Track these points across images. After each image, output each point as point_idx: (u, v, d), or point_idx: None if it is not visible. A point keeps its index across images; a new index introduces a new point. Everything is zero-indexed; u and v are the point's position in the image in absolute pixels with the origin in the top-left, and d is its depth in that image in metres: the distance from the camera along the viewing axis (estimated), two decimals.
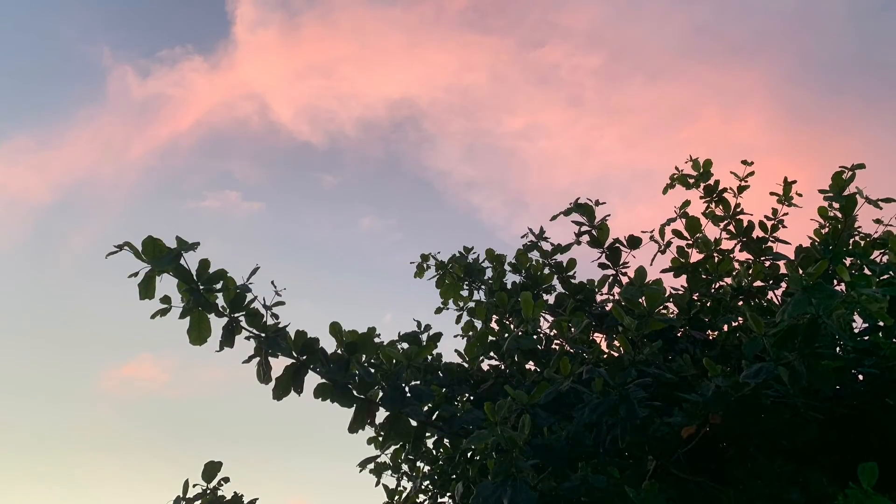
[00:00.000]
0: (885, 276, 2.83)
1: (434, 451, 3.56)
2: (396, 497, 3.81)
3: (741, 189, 3.84)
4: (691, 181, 3.93)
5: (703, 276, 3.48)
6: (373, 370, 2.55)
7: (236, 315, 2.41)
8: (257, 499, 3.07)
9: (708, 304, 3.31)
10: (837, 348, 2.44)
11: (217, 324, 2.40)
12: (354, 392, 2.47)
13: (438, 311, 4.05)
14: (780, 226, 3.72)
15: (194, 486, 2.95)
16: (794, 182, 3.79)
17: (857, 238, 3.37)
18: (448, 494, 3.44)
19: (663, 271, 3.55)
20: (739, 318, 3.14)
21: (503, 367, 3.33)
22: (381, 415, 2.54)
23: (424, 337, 3.25)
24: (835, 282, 2.98)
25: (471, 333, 3.87)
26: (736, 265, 3.52)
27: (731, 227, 3.74)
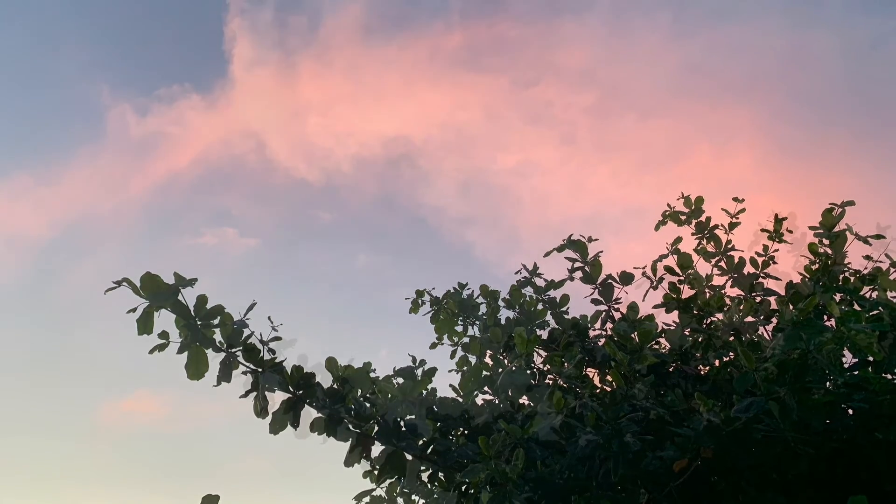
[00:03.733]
0: (875, 312, 2.87)
1: (429, 485, 3.55)
2: None
3: (732, 226, 3.90)
4: (683, 218, 4.00)
5: (695, 312, 3.51)
6: (368, 405, 2.57)
7: (234, 350, 2.44)
8: None
9: (699, 340, 3.34)
10: (828, 383, 2.47)
11: (215, 359, 2.43)
12: (350, 426, 2.49)
13: (433, 346, 4.07)
14: (770, 262, 3.77)
15: None
16: (785, 219, 3.85)
17: (846, 274, 3.42)
18: None
19: (655, 307, 3.58)
20: (731, 354, 3.17)
21: (497, 402, 3.34)
22: (377, 449, 2.55)
23: (419, 372, 3.27)
24: (825, 317, 3.02)
25: (465, 368, 3.89)
26: (727, 301, 3.56)
27: (722, 264, 3.79)
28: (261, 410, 2.41)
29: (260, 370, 2.43)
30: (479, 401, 3.39)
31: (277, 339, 2.51)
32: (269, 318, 2.54)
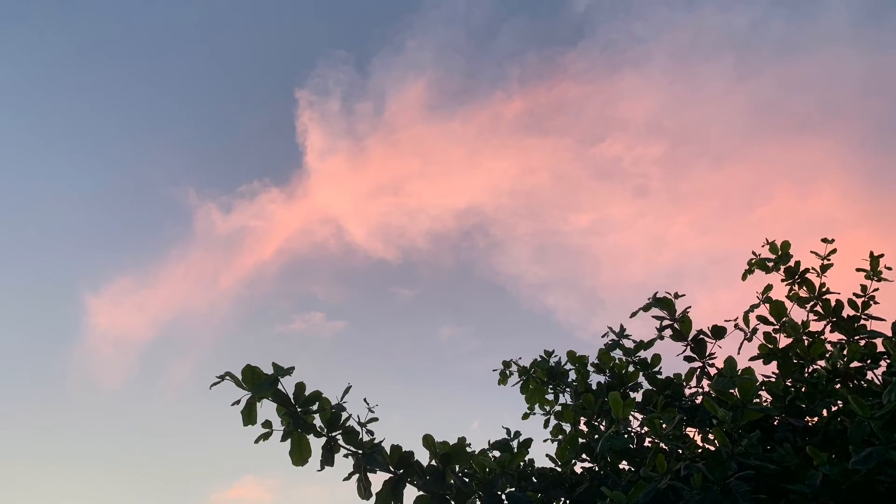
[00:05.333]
0: None
1: None
2: None
3: (824, 268, 3.77)
4: (770, 265, 3.89)
5: (795, 361, 3.38)
6: (468, 479, 2.57)
7: (334, 434, 2.50)
8: None
9: (803, 390, 3.20)
10: None
11: (316, 443, 2.50)
12: (452, 502, 2.49)
13: (525, 416, 4.04)
14: (871, 302, 3.61)
15: None
16: (882, 256, 3.71)
17: None
18: None
19: (752, 359, 3.47)
20: (839, 402, 3.03)
21: (597, 469, 3.27)
22: None
23: (515, 444, 3.25)
24: None
25: (560, 437, 3.83)
26: (828, 347, 3.41)
27: (818, 308, 3.65)
28: (364, 492, 2.44)
29: (360, 452, 2.48)
30: (577, 469, 3.33)
31: (374, 419, 2.56)
32: (364, 399, 2.61)
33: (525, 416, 4.03)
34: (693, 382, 3.56)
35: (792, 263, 3.81)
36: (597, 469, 3.28)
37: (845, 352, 3.31)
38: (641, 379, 3.65)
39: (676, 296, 3.62)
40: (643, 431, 3.32)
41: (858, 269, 3.74)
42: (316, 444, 2.49)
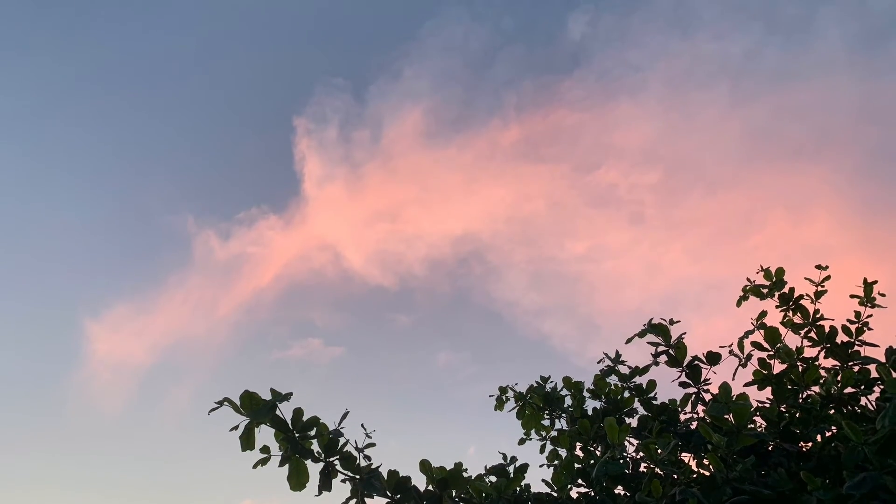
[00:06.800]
0: None
1: None
2: None
3: (819, 294, 3.80)
4: (765, 291, 3.93)
5: (790, 387, 3.40)
6: None
7: (331, 459, 2.51)
8: None
9: (798, 415, 3.22)
10: None
11: (314, 468, 2.51)
12: None
13: (521, 442, 4.05)
14: (865, 328, 3.65)
15: None
16: (875, 282, 3.74)
17: None
18: None
19: (747, 385, 3.49)
20: (833, 428, 3.04)
21: (593, 494, 3.27)
22: None
23: (511, 469, 3.26)
24: None
25: (556, 462, 3.84)
26: (823, 372, 3.44)
27: (812, 335, 3.68)
28: None
29: (358, 477, 2.49)
30: (573, 494, 3.33)
31: (372, 445, 2.58)
32: (362, 425, 2.63)
33: (521, 442, 4.04)
34: (688, 408, 3.57)
35: (786, 290, 3.85)
36: (593, 494, 3.28)
37: (839, 378, 3.33)
38: (637, 405, 3.67)
39: (671, 322, 3.65)
40: (639, 457, 3.33)
41: (852, 296, 3.77)
42: (314, 469, 2.50)
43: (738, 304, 4.03)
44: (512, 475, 3.15)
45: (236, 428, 2.48)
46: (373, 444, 2.59)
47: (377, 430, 2.69)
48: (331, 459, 2.52)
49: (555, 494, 3.30)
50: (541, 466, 3.91)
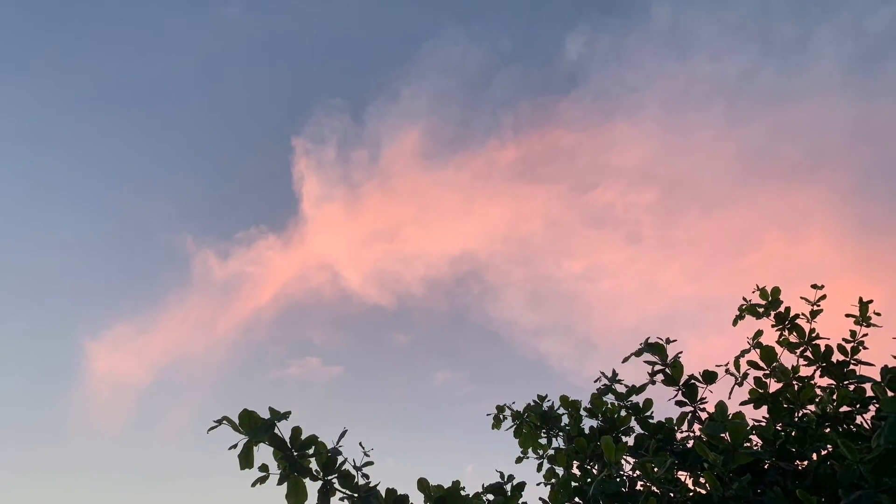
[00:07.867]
0: None
1: None
2: None
3: (814, 314, 3.83)
4: (761, 310, 3.95)
5: (785, 406, 3.42)
6: None
7: (330, 478, 2.52)
8: None
9: (793, 434, 3.24)
10: None
11: (312, 487, 2.51)
12: None
13: (519, 460, 4.05)
14: (860, 347, 3.67)
15: None
16: (871, 301, 3.77)
17: None
18: None
19: (742, 403, 3.51)
20: (829, 446, 3.06)
21: None
22: None
23: (509, 487, 3.26)
24: None
25: (553, 480, 3.84)
26: (818, 391, 3.46)
27: (808, 353, 3.70)
28: None
29: (356, 495, 2.50)
30: None
31: (370, 463, 2.59)
32: (360, 443, 2.64)
33: (519, 460, 4.04)
34: (684, 427, 3.58)
35: (782, 309, 3.87)
36: None
37: (835, 396, 3.35)
38: (634, 423, 3.68)
39: (668, 341, 3.67)
40: (635, 475, 3.33)
41: (848, 315, 3.80)
42: (312, 487, 2.50)
43: (735, 322, 4.06)
44: (509, 493, 3.15)
45: (235, 446, 2.49)
46: (371, 463, 2.60)
47: (375, 448, 2.71)
48: (329, 478, 2.52)
49: None
50: (538, 485, 3.91)
